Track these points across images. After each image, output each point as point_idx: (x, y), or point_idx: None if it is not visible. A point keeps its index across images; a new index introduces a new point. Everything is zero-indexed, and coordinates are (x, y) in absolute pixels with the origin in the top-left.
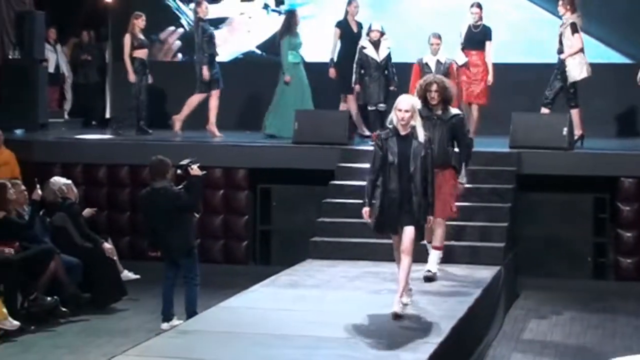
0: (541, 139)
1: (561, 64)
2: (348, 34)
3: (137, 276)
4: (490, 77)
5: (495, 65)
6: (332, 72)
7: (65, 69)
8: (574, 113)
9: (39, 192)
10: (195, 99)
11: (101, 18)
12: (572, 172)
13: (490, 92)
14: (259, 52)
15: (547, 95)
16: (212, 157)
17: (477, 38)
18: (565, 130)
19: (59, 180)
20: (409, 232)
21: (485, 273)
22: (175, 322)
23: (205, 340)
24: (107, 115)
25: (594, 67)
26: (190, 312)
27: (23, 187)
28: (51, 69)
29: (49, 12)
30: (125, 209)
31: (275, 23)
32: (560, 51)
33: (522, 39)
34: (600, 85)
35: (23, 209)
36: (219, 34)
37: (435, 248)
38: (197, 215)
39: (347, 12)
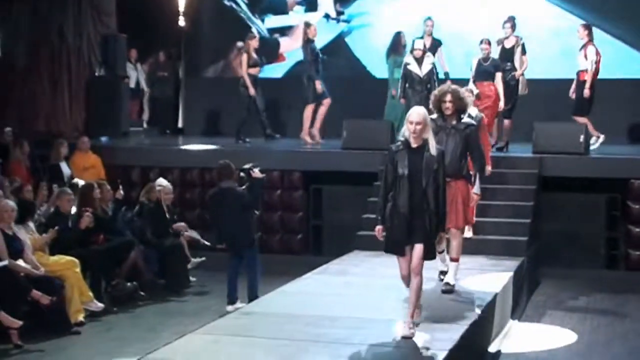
0: (560, 145)
1: (514, 79)
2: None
3: (203, 258)
4: (502, 104)
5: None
6: None
7: (144, 84)
8: (509, 123)
9: (121, 192)
10: (309, 111)
11: (175, 40)
12: (587, 175)
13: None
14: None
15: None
16: (271, 161)
17: (488, 70)
18: (582, 138)
19: (157, 182)
20: (418, 250)
21: (511, 263)
22: (238, 305)
23: (264, 320)
24: (180, 125)
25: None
26: (252, 296)
27: (109, 187)
28: (132, 85)
29: (130, 35)
30: (195, 207)
31: (334, 30)
32: (508, 68)
33: (544, 56)
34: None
35: (107, 206)
36: (285, 41)
37: (452, 260)
38: (257, 213)
39: (424, 31)
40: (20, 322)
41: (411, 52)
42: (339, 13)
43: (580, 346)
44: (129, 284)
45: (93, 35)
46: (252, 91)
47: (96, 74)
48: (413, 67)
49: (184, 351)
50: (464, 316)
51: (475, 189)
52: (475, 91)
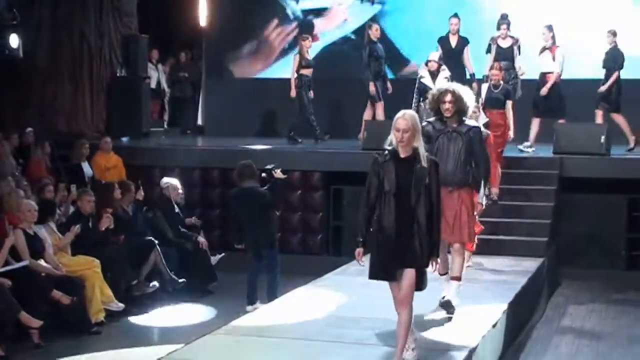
0: (581, 146)
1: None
2: (446, 49)
3: (222, 254)
4: (511, 133)
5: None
6: None
7: (165, 85)
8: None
9: (142, 192)
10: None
11: (196, 40)
12: (608, 175)
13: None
14: (353, 37)
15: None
16: (292, 162)
17: (498, 98)
18: (602, 138)
19: (164, 180)
20: (409, 277)
21: (530, 264)
22: (258, 305)
23: (284, 321)
24: (200, 123)
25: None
26: (272, 297)
27: (133, 188)
28: (153, 85)
29: (151, 35)
30: (216, 207)
31: (368, 12)
32: (507, 67)
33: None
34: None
35: (128, 207)
36: (319, 22)
37: (454, 278)
38: (277, 213)
39: (448, 30)
40: (41, 322)
41: (425, 64)
42: None
43: (601, 347)
44: (149, 284)
45: (114, 36)
46: (293, 93)
47: (117, 74)
48: (427, 80)
49: (204, 351)
50: (485, 317)
51: (479, 198)
52: (485, 119)
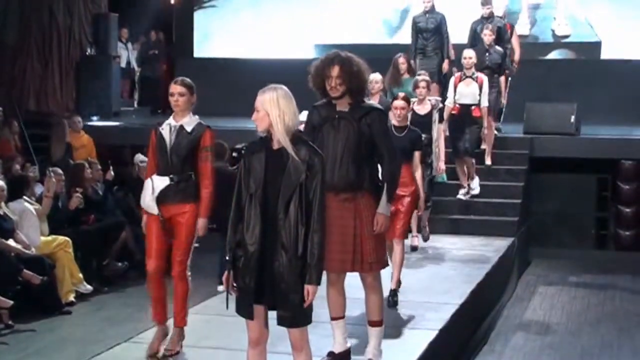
0: (551, 126)
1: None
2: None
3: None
4: (421, 202)
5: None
6: None
7: (135, 64)
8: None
9: (112, 172)
10: None
11: (167, 19)
12: (578, 155)
13: (506, 85)
14: None
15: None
16: None
17: (402, 146)
18: (572, 118)
19: (137, 158)
20: (291, 332)
21: (501, 243)
22: None
23: None
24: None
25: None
26: None
27: (99, 167)
28: (123, 64)
29: (121, 14)
30: None
31: None
32: (429, 141)
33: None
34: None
35: (97, 186)
36: None
37: (373, 324)
38: None
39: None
40: (11, 302)
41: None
42: None
43: (570, 325)
44: (119, 263)
45: (84, 14)
46: None
47: (87, 53)
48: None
49: None
50: (455, 296)
51: (381, 208)
52: None
